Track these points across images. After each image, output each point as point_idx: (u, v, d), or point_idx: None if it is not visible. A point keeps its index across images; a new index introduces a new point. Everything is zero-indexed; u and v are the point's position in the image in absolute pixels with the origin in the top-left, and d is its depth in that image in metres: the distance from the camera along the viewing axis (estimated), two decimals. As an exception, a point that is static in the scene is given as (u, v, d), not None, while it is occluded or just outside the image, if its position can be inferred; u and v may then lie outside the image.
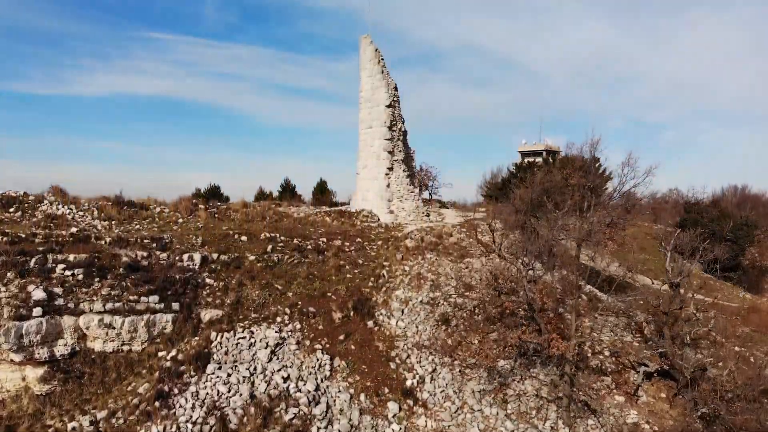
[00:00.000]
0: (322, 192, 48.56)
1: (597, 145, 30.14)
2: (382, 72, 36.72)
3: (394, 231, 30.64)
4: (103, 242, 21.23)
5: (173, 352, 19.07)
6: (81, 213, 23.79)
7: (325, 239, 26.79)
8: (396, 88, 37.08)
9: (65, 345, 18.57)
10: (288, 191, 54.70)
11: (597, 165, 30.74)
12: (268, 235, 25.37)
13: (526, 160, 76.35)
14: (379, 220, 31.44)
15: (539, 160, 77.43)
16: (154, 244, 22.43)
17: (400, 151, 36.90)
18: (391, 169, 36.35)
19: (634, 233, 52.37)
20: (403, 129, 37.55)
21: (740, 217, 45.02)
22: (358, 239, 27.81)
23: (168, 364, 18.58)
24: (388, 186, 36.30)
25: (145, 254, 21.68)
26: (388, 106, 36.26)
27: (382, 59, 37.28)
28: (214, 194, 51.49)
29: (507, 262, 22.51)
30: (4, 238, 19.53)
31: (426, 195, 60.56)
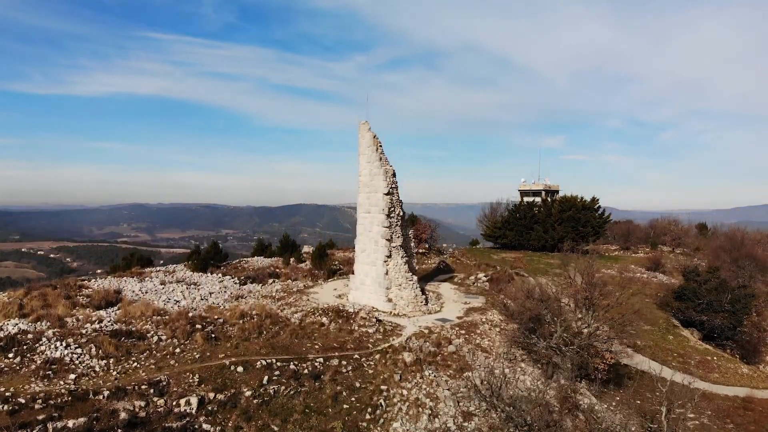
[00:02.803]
0: (321, 257, 48.68)
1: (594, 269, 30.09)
2: (380, 159, 36.78)
3: (392, 335, 30.76)
4: (101, 396, 21.38)
5: None
6: (79, 351, 23.92)
7: (321, 359, 26.92)
8: (394, 174, 37.15)
9: None
10: (288, 249, 55.06)
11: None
12: (264, 362, 25.51)
13: (524, 200, 76.46)
14: (376, 322, 31.53)
15: (538, 199, 77.61)
16: (152, 390, 22.58)
17: (398, 237, 36.99)
18: (389, 256, 36.47)
19: (631, 294, 52.44)
20: (401, 214, 37.62)
21: (738, 288, 45.09)
22: (356, 355, 27.93)
23: None
24: (386, 273, 36.43)
25: (143, 404, 21.85)
26: (387, 194, 36.35)
27: (381, 146, 37.35)
28: (214, 254, 51.87)
29: (504, 413, 22.64)
30: (5, 407, 19.69)
31: (426, 245, 60.78)
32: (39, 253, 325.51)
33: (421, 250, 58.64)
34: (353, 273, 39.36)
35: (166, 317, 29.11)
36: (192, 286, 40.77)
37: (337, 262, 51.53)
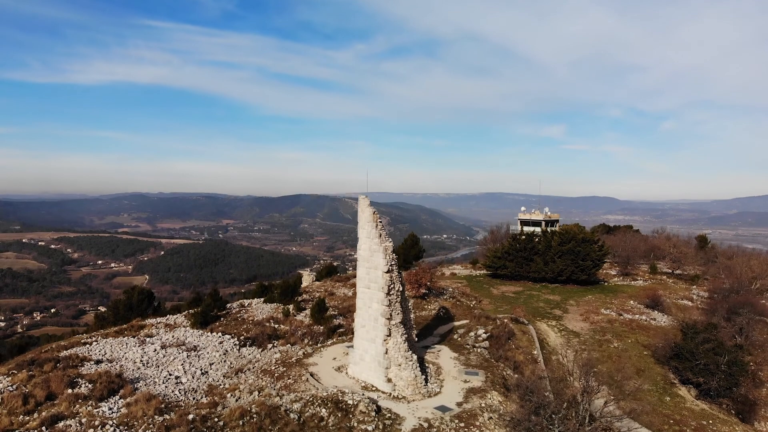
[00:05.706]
0: (321, 311, 48.89)
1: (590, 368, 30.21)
2: (380, 236, 36.70)
3: (391, 431, 31.05)
4: None
5: None
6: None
7: (322, 470, 27.24)
8: (393, 251, 37.09)
9: None
10: (288, 293, 55.36)
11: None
12: (266, 480, 25.83)
13: (524, 230, 76.49)
14: (375, 416, 31.79)
15: (538, 229, 77.60)
16: None
17: (398, 313, 37.07)
18: (389, 335, 36.61)
19: (629, 345, 52.77)
20: (400, 290, 37.64)
21: (734, 347, 45.37)
22: (355, 461, 28.26)
23: None
24: (386, 352, 36.61)
25: None
26: (387, 272, 36.33)
27: (380, 222, 37.28)
28: (215, 301, 52.14)
29: None
30: None
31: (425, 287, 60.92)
32: (40, 243, 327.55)
33: (423, 291, 58.90)
34: (353, 337, 39.57)
35: (168, 417, 29.35)
36: (192, 352, 41.06)
37: (336, 312, 51.79)
